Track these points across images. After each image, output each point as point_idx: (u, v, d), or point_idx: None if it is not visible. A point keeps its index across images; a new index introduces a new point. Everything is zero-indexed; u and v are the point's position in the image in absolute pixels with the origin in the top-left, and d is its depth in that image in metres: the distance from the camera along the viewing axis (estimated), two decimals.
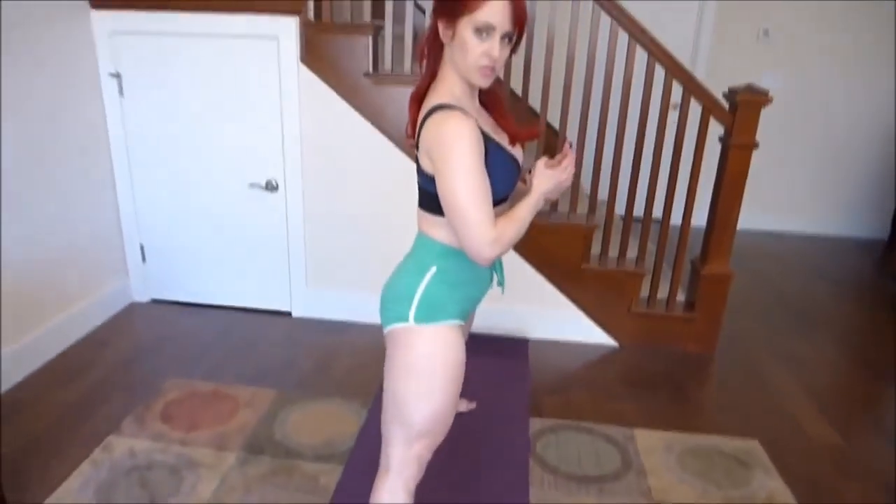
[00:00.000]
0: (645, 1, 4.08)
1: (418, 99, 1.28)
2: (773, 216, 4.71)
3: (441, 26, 1.19)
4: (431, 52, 1.25)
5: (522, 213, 1.23)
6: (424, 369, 1.25)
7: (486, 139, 1.20)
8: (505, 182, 1.26)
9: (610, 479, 1.95)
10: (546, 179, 1.27)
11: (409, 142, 1.32)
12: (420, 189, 1.29)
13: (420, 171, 1.25)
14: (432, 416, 1.26)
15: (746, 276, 3.82)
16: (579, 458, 2.04)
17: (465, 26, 1.15)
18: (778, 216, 4.71)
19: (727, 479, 1.99)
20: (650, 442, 2.14)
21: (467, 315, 1.36)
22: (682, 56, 4.32)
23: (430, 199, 1.25)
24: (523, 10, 1.18)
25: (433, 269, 1.27)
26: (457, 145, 1.14)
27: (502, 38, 1.17)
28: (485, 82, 1.21)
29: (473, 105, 1.28)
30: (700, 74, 4.26)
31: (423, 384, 1.25)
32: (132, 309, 2.97)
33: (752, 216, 4.70)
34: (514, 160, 1.29)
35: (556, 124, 2.66)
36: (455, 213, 1.16)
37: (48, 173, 2.44)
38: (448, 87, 1.23)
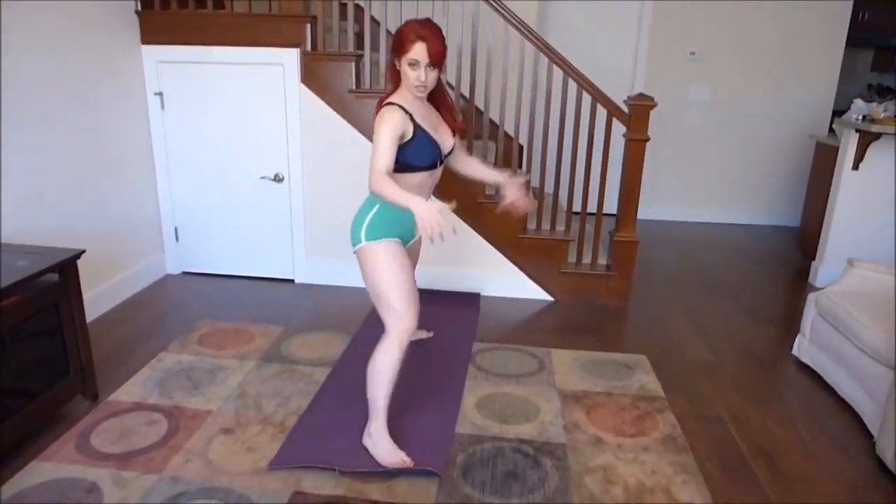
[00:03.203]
0: (591, 24, 4.89)
1: (381, 102, 1.97)
2: (709, 210, 5.48)
3: (395, 61, 1.92)
4: (393, 75, 1.98)
5: (398, 192, 1.76)
6: (383, 268, 1.95)
7: (417, 127, 1.93)
8: (423, 157, 1.95)
9: (526, 376, 2.67)
10: (426, 209, 1.71)
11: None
12: None
13: None
14: (404, 296, 1.94)
15: (674, 254, 4.56)
16: (506, 365, 2.76)
17: (404, 62, 1.89)
18: (712, 210, 5.48)
19: (614, 376, 2.71)
20: (562, 356, 2.87)
21: (406, 238, 2.08)
22: (624, 74, 5.17)
23: None
24: (437, 50, 1.86)
25: (377, 207, 1.98)
26: (383, 125, 1.85)
27: (426, 66, 1.88)
28: (420, 94, 1.94)
29: (422, 106, 2.00)
30: (638, 88, 5.07)
31: (387, 277, 1.94)
32: (167, 279, 3.72)
33: (687, 210, 5.49)
34: (435, 144, 1.99)
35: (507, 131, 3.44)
36: (372, 154, 1.83)
37: (105, 171, 3.21)
38: (402, 94, 1.95)
